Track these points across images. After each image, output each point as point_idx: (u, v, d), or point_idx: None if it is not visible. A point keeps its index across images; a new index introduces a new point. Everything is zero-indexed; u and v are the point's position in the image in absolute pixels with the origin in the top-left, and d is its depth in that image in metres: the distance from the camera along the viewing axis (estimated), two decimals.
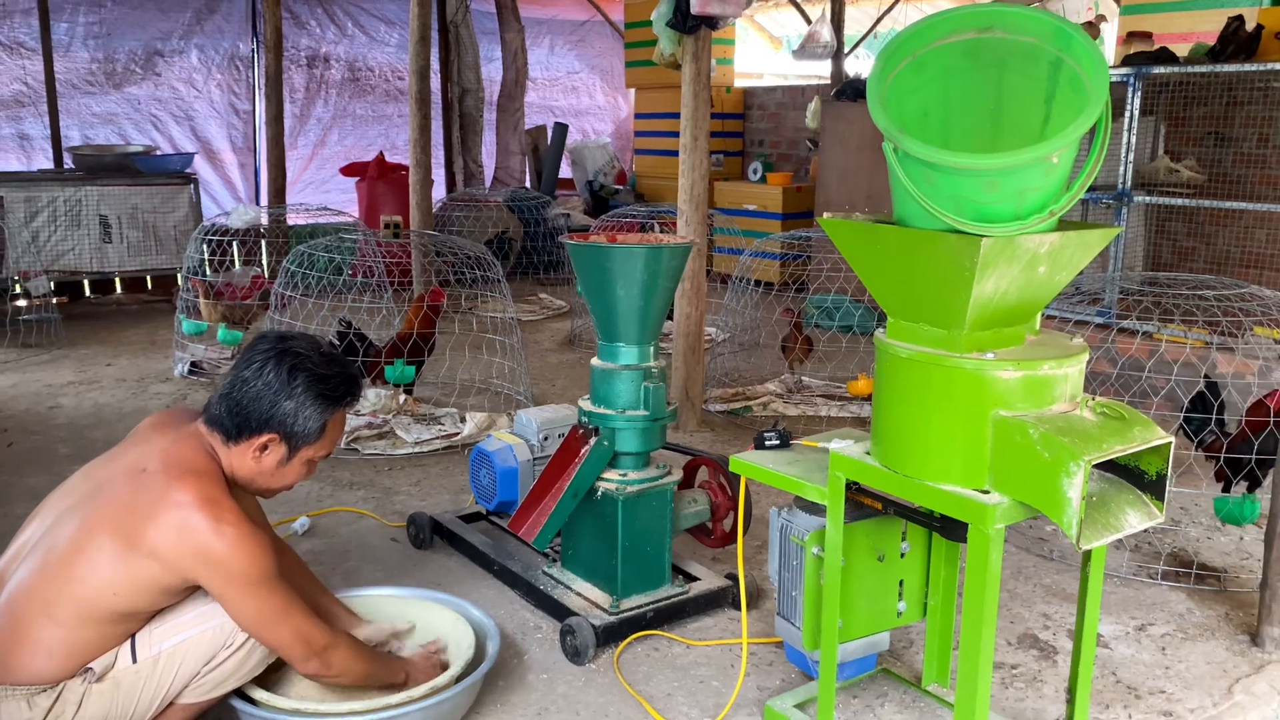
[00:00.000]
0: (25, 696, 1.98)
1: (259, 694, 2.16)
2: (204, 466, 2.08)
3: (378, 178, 8.32)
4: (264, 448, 2.14)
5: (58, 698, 2.00)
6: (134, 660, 2.05)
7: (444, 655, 2.43)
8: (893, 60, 1.90)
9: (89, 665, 2.02)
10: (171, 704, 2.11)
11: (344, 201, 8.88)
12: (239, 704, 2.15)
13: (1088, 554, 2.09)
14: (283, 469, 2.19)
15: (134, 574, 1.98)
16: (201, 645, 2.06)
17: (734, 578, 2.92)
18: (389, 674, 2.28)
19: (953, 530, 2.10)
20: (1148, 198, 5.87)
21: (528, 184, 9.96)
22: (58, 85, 7.94)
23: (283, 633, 2.06)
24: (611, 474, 2.78)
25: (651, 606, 2.79)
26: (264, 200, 8.29)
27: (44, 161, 8.00)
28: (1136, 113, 5.60)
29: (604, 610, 2.75)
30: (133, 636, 2.07)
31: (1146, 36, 6.46)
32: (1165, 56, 5.93)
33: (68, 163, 7.76)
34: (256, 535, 2.02)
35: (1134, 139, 5.65)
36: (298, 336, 2.22)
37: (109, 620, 2.02)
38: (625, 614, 2.74)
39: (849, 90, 7.50)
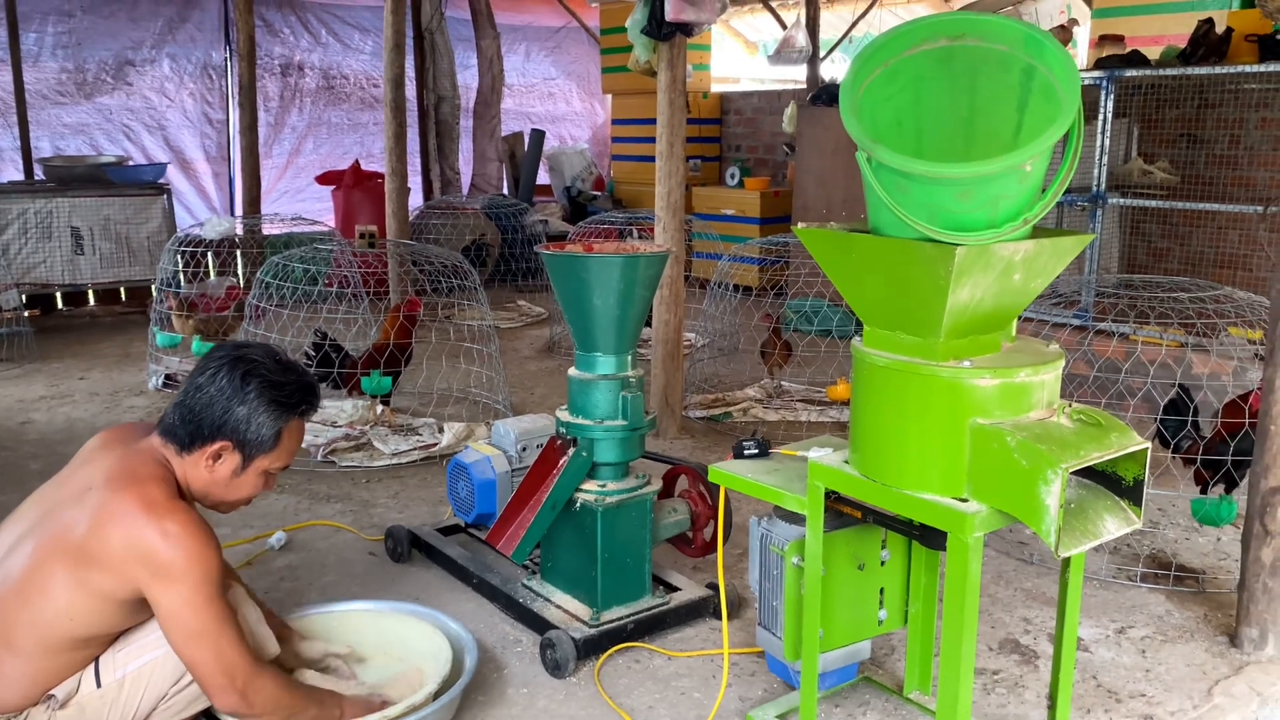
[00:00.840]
0: None
1: None
2: (149, 473, 2.03)
3: (353, 186, 8.26)
4: (217, 456, 2.10)
5: None
6: (98, 685, 2.01)
7: (387, 700, 2.29)
8: (865, 69, 1.90)
9: (51, 692, 1.98)
10: None
11: (320, 210, 8.82)
12: None
13: (1067, 559, 2.09)
14: (237, 480, 2.14)
15: (88, 595, 1.95)
16: (167, 666, 2.02)
17: (715, 587, 2.91)
18: (321, 712, 2.14)
19: (932, 539, 2.09)
20: (1122, 199, 5.91)
21: (505, 191, 9.93)
22: (27, 96, 7.83)
23: (206, 653, 1.95)
24: (590, 485, 2.76)
25: (632, 618, 2.77)
26: (238, 210, 8.23)
27: (14, 173, 7.90)
28: (1110, 115, 5.64)
29: (584, 623, 2.73)
30: (96, 660, 2.03)
31: (1119, 39, 6.50)
32: (1137, 59, 5.98)
33: (38, 174, 7.66)
34: (204, 537, 1.96)
35: (1108, 141, 5.68)
36: (255, 345, 2.19)
37: (69, 647, 1.98)
38: (606, 626, 2.72)
39: (825, 95, 7.52)
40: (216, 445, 2.09)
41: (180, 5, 8.60)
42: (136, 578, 1.94)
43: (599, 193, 9.87)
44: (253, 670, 2.00)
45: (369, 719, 2.15)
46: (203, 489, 2.13)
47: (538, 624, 2.77)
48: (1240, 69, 5.32)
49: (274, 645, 2.22)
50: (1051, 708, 2.21)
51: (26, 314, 6.37)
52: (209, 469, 2.11)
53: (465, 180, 9.86)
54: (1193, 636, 2.87)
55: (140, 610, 2.02)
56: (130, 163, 7.94)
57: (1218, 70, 5.39)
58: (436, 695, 2.27)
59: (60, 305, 7.58)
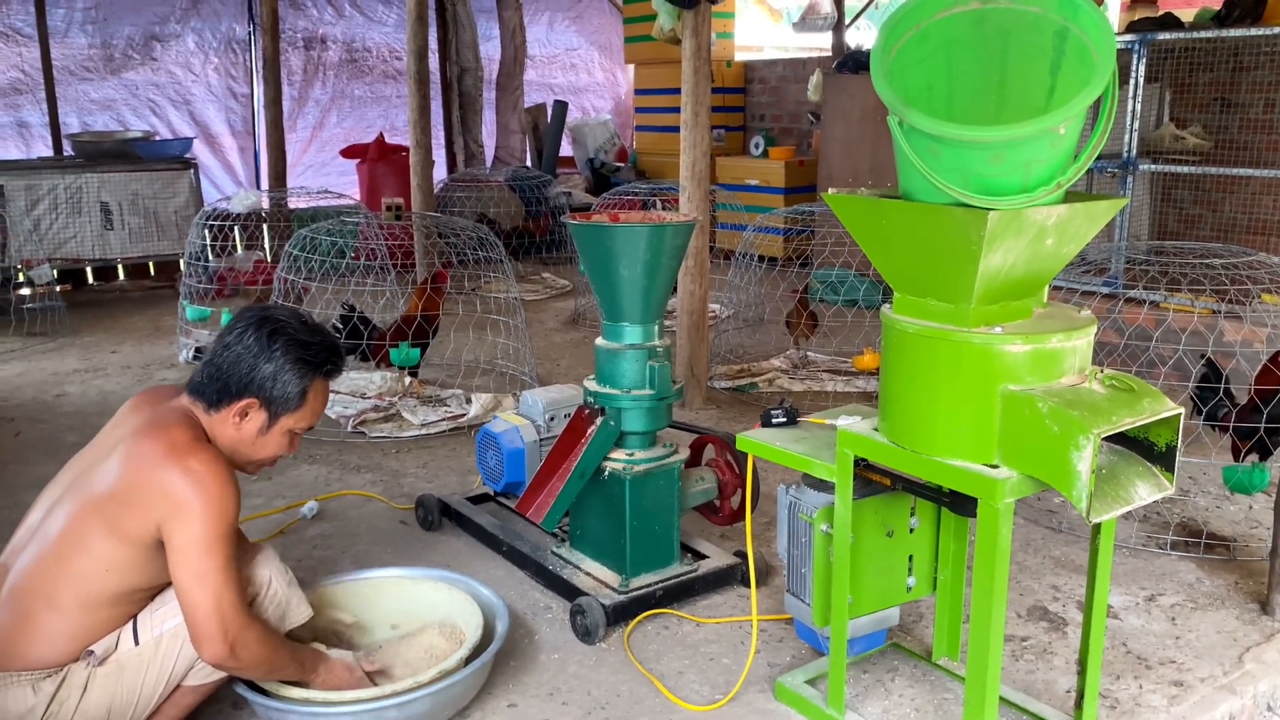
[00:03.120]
0: (30, 682, 2.00)
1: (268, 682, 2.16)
2: (176, 420, 2.09)
3: (378, 159, 8.28)
4: (244, 413, 2.14)
5: (62, 682, 2.02)
6: (136, 642, 2.06)
7: (371, 662, 2.33)
8: (896, 32, 1.88)
9: (91, 649, 2.03)
10: (179, 687, 2.12)
11: (345, 184, 8.84)
12: (248, 694, 2.15)
13: (1097, 526, 2.09)
14: (263, 438, 2.18)
15: (121, 542, 2.00)
16: None
17: (743, 555, 2.92)
18: (299, 670, 2.16)
19: (962, 505, 2.09)
20: (1153, 166, 5.82)
21: (528, 163, 9.91)
22: (55, 72, 7.89)
23: (206, 596, 1.96)
24: (618, 454, 2.77)
25: (661, 585, 2.79)
26: (264, 184, 8.26)
27: (43, 149, 7.97)
28: (1141, 80, 5.54)
29: (613, 589, 2.76)
30: (134, 619, 2.08)
31: (1151, 2, 6.39)
32: (1170, 22, 5.87)
33: (67, 150, 7.73)
34: (225, 479, 2.01)
35: (1139, 106, 5.59)
36: (280, 307, 2.24)
37: (108, 602, 2.03)
38: (635, 593, 2.74)
39: (850, 62, 7.44)
40: (243, 402, 2.14)
41: None
42: (158, 513, 1.98)
43: (622, 164, 9.83)
44: (244, 623, 2.02)
45: (399, 684, 2.18)
46: (230, 446, 2.17)
47: (568, 591, 2.80)
48: (1277, 31, 5.21)
49: (305, 609, 2.26)
50: (1081, 673, 2.21)
51: (58, 288, 6.44)
52: (235, 426, 2.15)
53: (489, 153, 9.84)
54: (1223, 604, 2.86)
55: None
56: (157, 138, 7.99)
57: (1253, 32, 5.29)
58: (468, 660, 2.30)
59: (91, 280, 7.67)
